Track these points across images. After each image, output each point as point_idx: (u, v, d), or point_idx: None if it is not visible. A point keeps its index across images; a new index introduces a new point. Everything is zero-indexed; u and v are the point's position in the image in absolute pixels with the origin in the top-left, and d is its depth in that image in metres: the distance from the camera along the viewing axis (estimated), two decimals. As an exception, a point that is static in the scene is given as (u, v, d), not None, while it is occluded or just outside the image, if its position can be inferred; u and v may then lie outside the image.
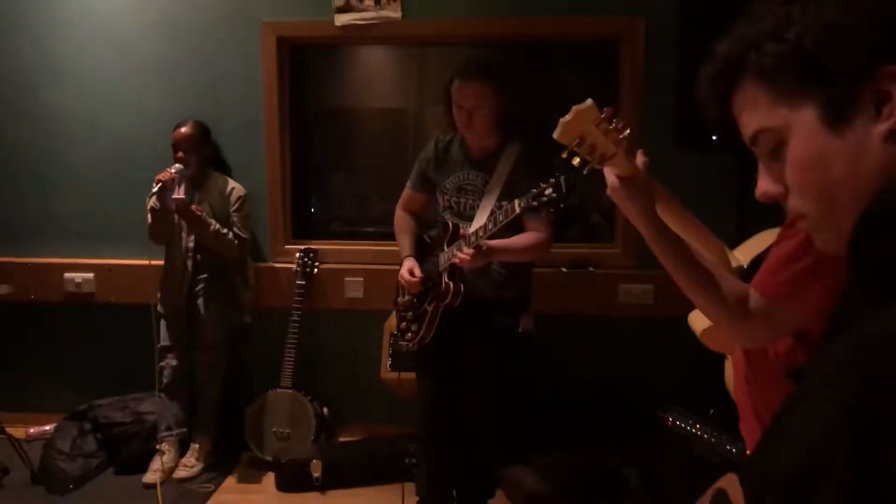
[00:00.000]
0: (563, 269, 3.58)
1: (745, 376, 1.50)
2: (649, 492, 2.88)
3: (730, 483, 0.87)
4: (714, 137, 2.83)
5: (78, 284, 3.87)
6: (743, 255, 2.13)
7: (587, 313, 3.63)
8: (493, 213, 2.64)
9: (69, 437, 3.50)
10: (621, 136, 1.29)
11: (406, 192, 3.06)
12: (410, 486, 3.24)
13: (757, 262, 1.70)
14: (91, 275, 3.86)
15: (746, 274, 1.90)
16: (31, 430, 3.81)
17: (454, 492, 3.06)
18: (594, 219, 3.86)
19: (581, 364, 3.62)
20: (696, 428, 2.70)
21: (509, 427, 3.04)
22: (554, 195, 2.34)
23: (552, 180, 2.34)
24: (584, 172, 1.32)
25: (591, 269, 3.60)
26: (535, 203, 2.38)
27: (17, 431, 3.61)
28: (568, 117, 1.26)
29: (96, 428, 3.58)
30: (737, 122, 0.84)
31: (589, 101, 1.26)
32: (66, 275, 3.87)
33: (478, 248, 2.59)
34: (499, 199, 2.69)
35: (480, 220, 2.69)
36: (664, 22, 3.34)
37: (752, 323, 1.36)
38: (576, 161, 1.30)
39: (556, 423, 3.43)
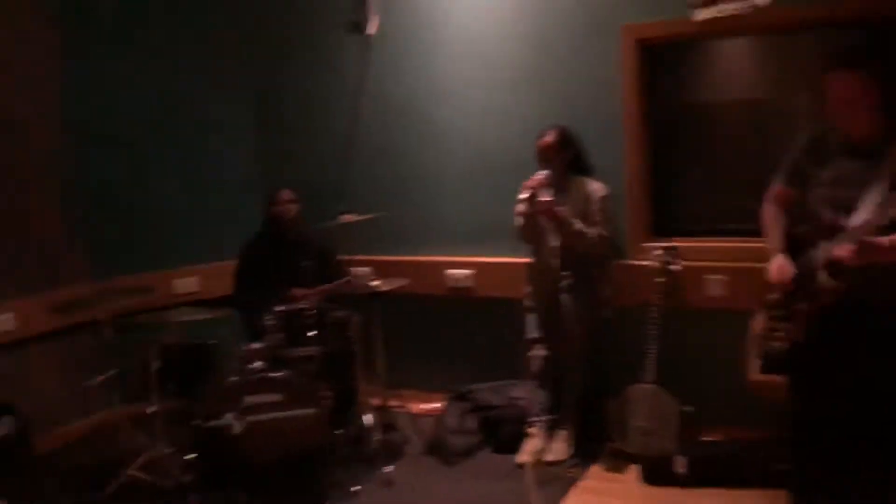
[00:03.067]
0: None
1: None
2: None
3: None
4: None
5: (457, 280, 4.37)
6: None
7: None
8: (880, 205, 2.42)
9: (455, 416, 3.97)
10: None
11: (776, 185, 2.94)
12: (781, 494, 3.10)
13: None
14: (469, 271, 4.33)
15: None
16: (423, 407, 4.39)
17: (833, 505, 2.86)
18: None
19: None
20: None
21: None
22: (960, 184, 2.08)
23: (958, 166, 2.09)
24: None
25: None
26: (934, 193, 2.14)
27: (412, 407, 4.19)
28: None
29: (476, 409, 4.00)
30: None
31: None
32: (447, 271, 4.39)
33: (861, 244, 2.40)
34: (887, 191, 2.46)
35: (863, 213, 2.48)
36: None
37: None
38: None
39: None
